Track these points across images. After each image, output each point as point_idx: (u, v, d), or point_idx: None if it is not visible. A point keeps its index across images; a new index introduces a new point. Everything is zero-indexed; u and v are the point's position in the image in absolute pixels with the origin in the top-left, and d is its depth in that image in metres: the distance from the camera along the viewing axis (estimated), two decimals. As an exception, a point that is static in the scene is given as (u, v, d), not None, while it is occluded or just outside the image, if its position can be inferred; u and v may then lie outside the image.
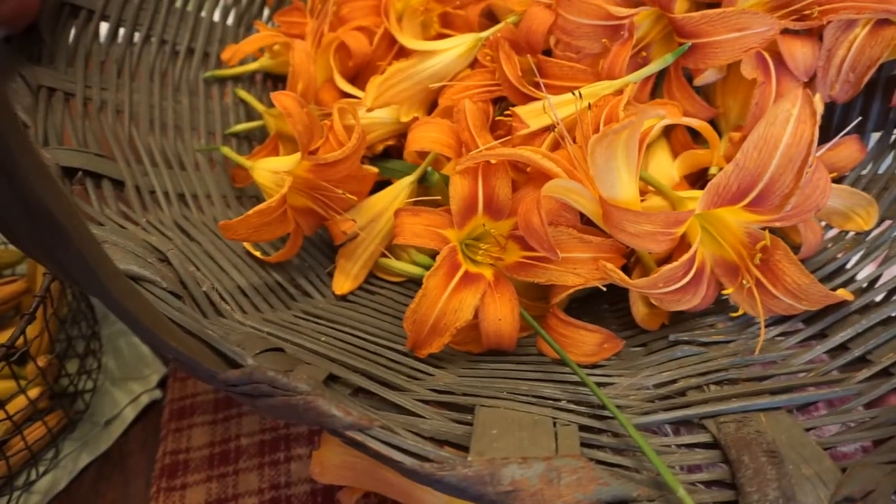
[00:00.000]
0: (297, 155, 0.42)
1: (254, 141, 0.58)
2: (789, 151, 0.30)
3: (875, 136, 0.43)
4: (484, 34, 0.50)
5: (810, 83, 0.42)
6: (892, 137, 0.42)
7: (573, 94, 0.40)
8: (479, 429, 0.31)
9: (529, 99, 0.45)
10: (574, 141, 0.39)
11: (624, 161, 0.34)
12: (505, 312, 0.38)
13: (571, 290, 0.38)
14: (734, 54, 0.40)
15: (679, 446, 0.31)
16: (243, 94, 0.58)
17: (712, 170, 0.44)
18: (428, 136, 0.45)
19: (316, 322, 0.42)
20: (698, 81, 0.44)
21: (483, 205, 0.39)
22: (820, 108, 0.39)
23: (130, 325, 0.25)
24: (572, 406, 0.33)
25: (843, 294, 0.34)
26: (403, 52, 0.54)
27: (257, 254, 0.46)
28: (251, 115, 0.59)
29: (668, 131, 0.47)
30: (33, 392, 0.46)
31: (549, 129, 0.44)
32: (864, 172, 0.42)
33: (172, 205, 0.48)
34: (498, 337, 0.39)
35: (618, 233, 0.35)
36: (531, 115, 0.43)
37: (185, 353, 0.28)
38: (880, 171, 0.41)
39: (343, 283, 0.47)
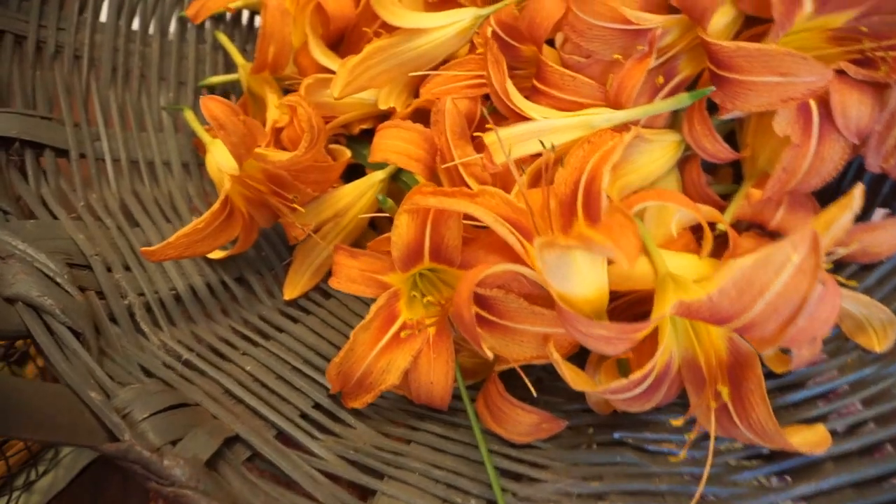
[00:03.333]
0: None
1: (233, 95, 0.53)
2: (777, 302, 0.24)
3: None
4: (485, 11, 0.41)
5: (860, 145, 0.34)
6: (950, 228, 0.34)
7: (542, 145, 0.33)
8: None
9: (516, 113, 0.38)
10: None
11: (585, 259, 0.28)
12: (438, 376, 0.35)
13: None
14: (770, 102, 0.32)
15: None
16: (223, 38, 0.51)
17: (719, 227, 0.37)
18: (392, 147, 0.39)
19: (249, 339, 0.39)
20: (725, 115, 0.36)
21: (430, 252, 0.34)
22: (858, 203, 0.31)
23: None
24: (480, 510, 0.30)
25: (811, 447, 0.29)
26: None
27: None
28: (233, 62, 0.53)
29: (682, 164, 0.39)
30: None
31: (537, 156, 0.37)
32: (903, 264, 0.35)
33: (123, 177, 0.44)
34: (429, 398, 0.35)
35: (569, 330, 0.30)
36: (515, 141, 0.36)
37: (46, 440, 0.26)
38: (922, 269, 0.34)
39: (294, 287, 0.44)
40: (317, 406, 0.36)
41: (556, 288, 0.29)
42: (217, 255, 0.42)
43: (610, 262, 0.33)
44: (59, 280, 0.33)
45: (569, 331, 0.30)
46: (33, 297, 0.31)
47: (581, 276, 0.29)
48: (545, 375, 0.39)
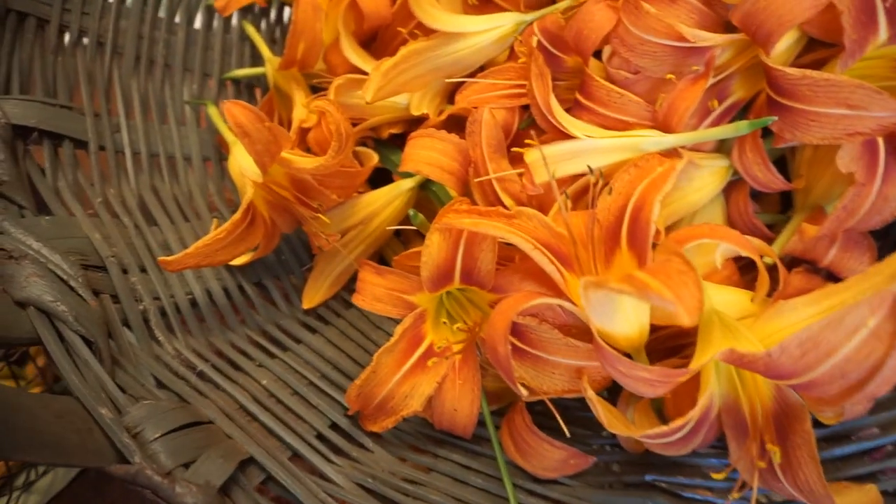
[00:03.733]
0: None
1: (257, 88, 0.51)
2: (845, 366, 0.22)
3: None
4: (528, 17, 0.39)
5: (929, 187, 0.31)
6: None
7: (590, 170, 0.31)
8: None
9: (558, 129, 0.36)
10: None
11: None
12: (463, 404, 0.33)
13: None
14: (834, 135, 0.30)
15: None
16: (251, 30, 0.49)
17: (766, 259, 0.35)
18: (424, 157, 0.37)
19: (265, 350, 0.38)
20: (781, 144, 0.34)
21: (461, 274, 0.32)
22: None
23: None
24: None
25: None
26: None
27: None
28: (260, 55, 0.51)
29: (728, 190, 0.37)
30: (33, 392, 0.45)
31: (577, 177, 0.35)
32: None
33: (143, 171, 0.43)
34: (451, 426, 0.34)
35: (608, 369, 0.28)
36: (557, 160, 0.34)
37: (53, 463, 0.25)
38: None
39: (313, 296, 0.42)
40: (334, 426, 0.34)
41: (597, 325, 0.28)
42: (239, 260, 0.41)
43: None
44: (73, 284, 0.32)
45: (607, 370, 0.28)
46: (46, 302, 0.30)
47: (625, 316, 0.28)
48: (573, 404, 0.37)
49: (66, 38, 0.43)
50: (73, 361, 0.29)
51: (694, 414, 0.27)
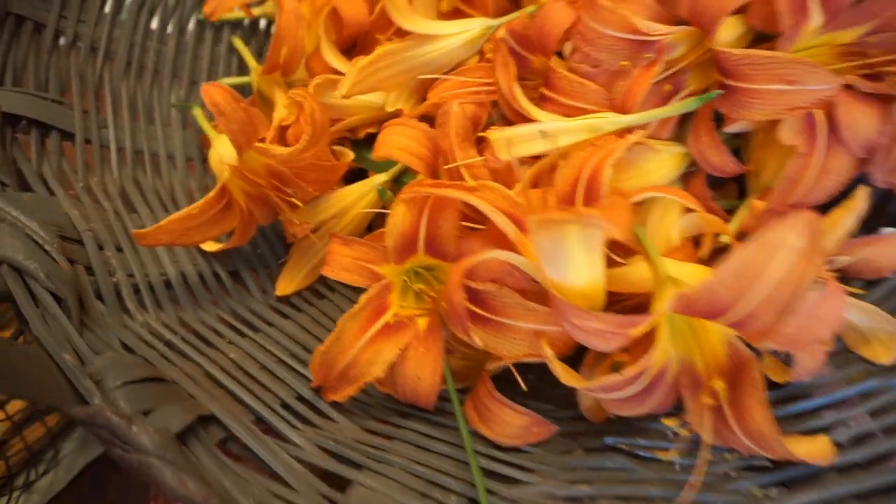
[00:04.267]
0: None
1: (245, 97, 0.53)
2: (775, 291, 0.23)
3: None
4: (496, 22, 0.42)
5: (866, 161, 0.33)
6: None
7: (540, 132, 0.33)
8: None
9: (524, 118, 0.38)
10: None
11: (580, 242, 0.28)
12: (426, 372, 0.33)
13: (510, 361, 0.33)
14: (775, 110, 0.32)
15: None
16: (238, 42, 0.52)
17: (723, 238, 0.36)
18: (397, 143, 0.39)
19: (236, 329, 0.38)
20: (730, 128, 0.36)
21: (424, 243, 0.33)
22: (862, 205, 0.30)
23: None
24: (461, 509, 0.29)
25: (814, 457, 0.27)
26: (406, 28, 0.47)
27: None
28: (246, 68, 0.54)
29: (686, 179, 0.39)
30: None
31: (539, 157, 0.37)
32: (910, 282, 0.34)
33: (126, 165, 0.44)
34: (414, 396, 0.34)
35: (562, 322, 0.29)
36: (519, 140, 0.36)
37: (11, 394, 0.25)
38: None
39: (287, 284, 0.43)
40: (299, 398, 0.35)
41: (550, 276, 0.28)
42: (211, 247, 0.42)
43: (613, 266, 0.32)
44: (47, 248, 0.33)
45: (562, 323, 0.29)
46: (18, 259, 0.31)
47: (576, 264, 0.28)
48: (536, 384, 0.37)
49: (62, 41, 0.46)
50: (41, 315, 0.30)
51: (648, 361, 0.28)
